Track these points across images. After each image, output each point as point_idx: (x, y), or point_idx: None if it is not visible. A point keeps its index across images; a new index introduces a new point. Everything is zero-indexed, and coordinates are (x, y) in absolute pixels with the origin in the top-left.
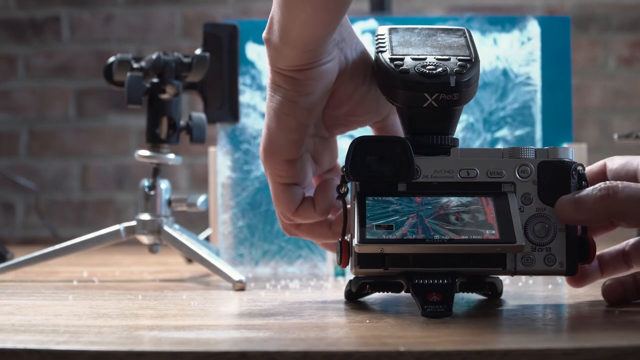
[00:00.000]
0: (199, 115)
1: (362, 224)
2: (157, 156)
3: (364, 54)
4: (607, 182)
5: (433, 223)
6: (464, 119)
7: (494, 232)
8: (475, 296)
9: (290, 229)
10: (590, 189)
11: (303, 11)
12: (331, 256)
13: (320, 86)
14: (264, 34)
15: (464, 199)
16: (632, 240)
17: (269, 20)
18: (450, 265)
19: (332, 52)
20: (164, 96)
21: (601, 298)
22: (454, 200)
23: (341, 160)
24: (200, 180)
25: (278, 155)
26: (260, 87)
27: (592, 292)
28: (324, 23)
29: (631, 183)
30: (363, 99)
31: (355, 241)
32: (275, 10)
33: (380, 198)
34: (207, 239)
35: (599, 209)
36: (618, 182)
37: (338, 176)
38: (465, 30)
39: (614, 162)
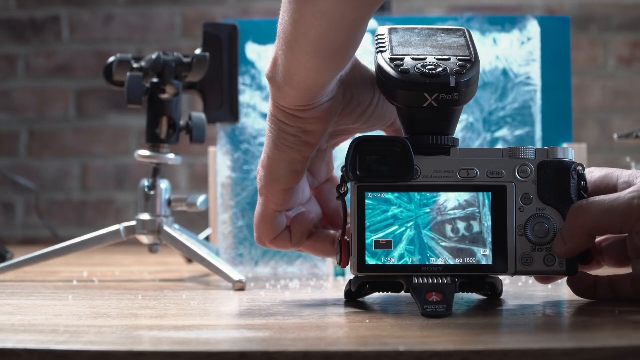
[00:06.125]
0: (199, 115)
1: (360, 240)
2: (157, 156)
3: (365, 74)
4: (575, 204)
5: (429, 238)
6: (464, 119)
7: (487, 252)
8: (475, 296)
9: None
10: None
11: (309, 61)
12: None
13: (323, 123)
14: (267, 72)
15: (462, 197)
16: (609, 239)
17: (272, 59)
18: (450, 271)
19: (334, 89)
20: (164, 96)
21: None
22: (452, 200)
23: (341, 160)
24: (200, 180)
25: (279, 185)
26: (260, 87)
27: None
28: (330, 71)
29: (597, 197)
30: (370, 118)
31: (353, 269)
32: (279, 53)
33: (379, 195)
34: (207, 239)
35: (580, 232)
36: (583, 200)
37: (334, 187)
38: (465, 31)
39: (593, 175)
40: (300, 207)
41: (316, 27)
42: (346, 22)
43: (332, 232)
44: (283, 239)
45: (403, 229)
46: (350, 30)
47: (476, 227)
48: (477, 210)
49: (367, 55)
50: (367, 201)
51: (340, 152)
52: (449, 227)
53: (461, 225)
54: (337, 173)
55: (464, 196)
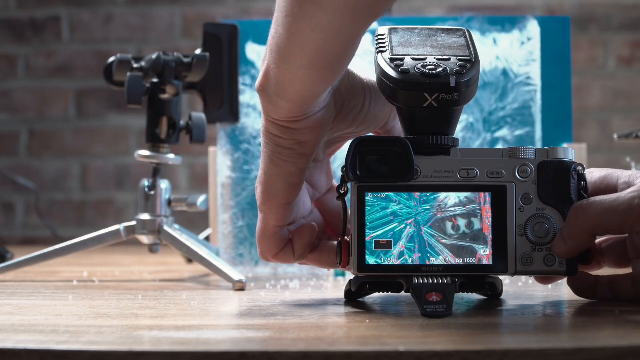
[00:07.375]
0: (199, 115)
1: (360, 240)
2: (157, 156)
3: (354, 79)
4: (575, 204)
5: (429, 235)
6: (464, 119)
7: (487, 251)
8: (475, 296)
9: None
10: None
11: (304, 74)
12: None
13: (316, 133)
14: (258, 84)
15: (462, 195)
16: (609, 240)
17: (264, 70)
18: (450, 271)
19: (327, 98)
20: (164, 96)
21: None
22: (452, 197)
23: (341, 160)
24: (200, 180)
25: (277, 200)
26: None
27: None
28: (325, 82)
29: (597, 197)
30: (363, 122)
31: (353, 269)
32: (271, 65)
33: (379, 195)
34: (207, 239)
35: (580, 232)
36: (583, 200)
37: (333, 196)
38: (465, 31)
39: (593, 175)
40: (301, 220)
41: (314, 39)
42: (344, 35)
43: (335, 243)
44: (286, 253)
45: (402, 226)
46: (348, 42)
47: (477, 224)
48: (478, 207)
49: (367, 55)
50: (367, 197)
51: (341, 153)
52: (449, 224)
53: (462, 222)
54: (338, 174)
55: (464, 193)
